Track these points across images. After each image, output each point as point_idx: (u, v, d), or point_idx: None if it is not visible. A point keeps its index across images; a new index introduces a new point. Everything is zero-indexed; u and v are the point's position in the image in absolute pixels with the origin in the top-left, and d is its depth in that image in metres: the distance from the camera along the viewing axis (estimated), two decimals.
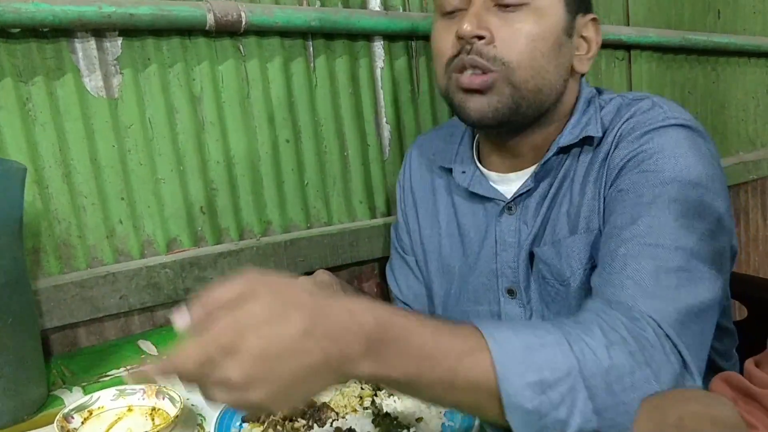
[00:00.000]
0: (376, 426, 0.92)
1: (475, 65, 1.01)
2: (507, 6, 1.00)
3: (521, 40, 0.99)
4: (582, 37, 1.07)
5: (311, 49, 1.53)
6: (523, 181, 1.11)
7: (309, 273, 1.43)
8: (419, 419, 0.94)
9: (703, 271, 0.85)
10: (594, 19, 1.08)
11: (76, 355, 1.24)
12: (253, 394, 0.61)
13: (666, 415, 0.67)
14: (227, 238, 1.46)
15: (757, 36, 2.52)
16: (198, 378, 0.63)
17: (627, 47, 2.16)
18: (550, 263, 1.06)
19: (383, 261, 1.65)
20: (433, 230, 1.26)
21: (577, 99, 1.10)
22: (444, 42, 1.05)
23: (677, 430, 0.63)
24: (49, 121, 1.24)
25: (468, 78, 1.02)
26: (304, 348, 0.62)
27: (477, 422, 0.90)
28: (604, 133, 1.05)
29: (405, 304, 1.34)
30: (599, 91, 1.13)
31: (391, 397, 0.99)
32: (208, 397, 0.64)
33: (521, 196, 1.11)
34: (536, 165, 1.10)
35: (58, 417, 0.94)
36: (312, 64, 1.53)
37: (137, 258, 1.35)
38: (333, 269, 1.45)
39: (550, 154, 1.07)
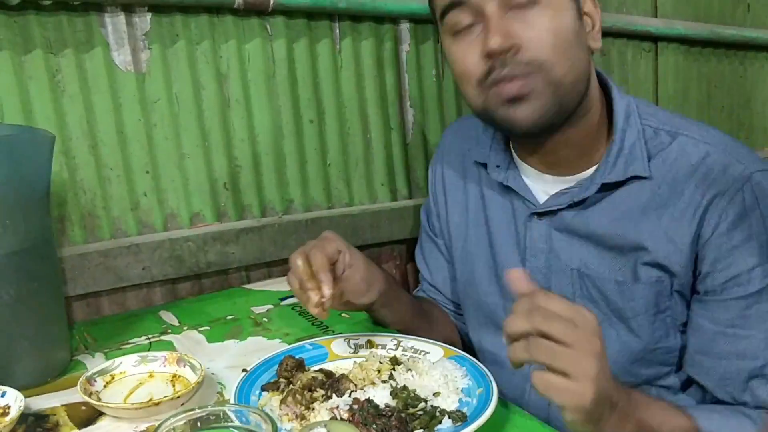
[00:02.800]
0: (393, 398, 0.93)
1: (514, 76, 0.97)
2: (520, 5, 0.96)
3: (548, 38, 0.96)
4: (585, 13, 1.03)
5: (337, 30, 1.53)
6: (559, 188, 1.08)
7: None
8: (437, 393, 0.95)
9: None
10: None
11: (98, 322, 1.26)
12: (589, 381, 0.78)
13: None
14: (249, 215, 1.47)
15: None
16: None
17: (654, 39, 2.14)
18: (609, 298, 1.05)
19: (403, 243, 1.67)
20: (461, 218, 1.25)
21: (606, 96, 1.06)
22: (469, 62, 1.00)
23: None
24: (78, 93, 1.26)
25: (508, 87, 0.97)
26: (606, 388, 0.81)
27: (494, 401, 0.90)
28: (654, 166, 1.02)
29: (433, 286, 1.34)
30: (636, 103, 1.08)
31: (409, 371, 1.00)
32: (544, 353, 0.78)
33: (555, 206, 1.09)
34: (574, 177, 1.07)
35: (81, 379, 0.95)
36: (338, 46, 1.54)
37: (161, 231, 1.37)
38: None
39: (592, 191, 1.04)
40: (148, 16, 1.31)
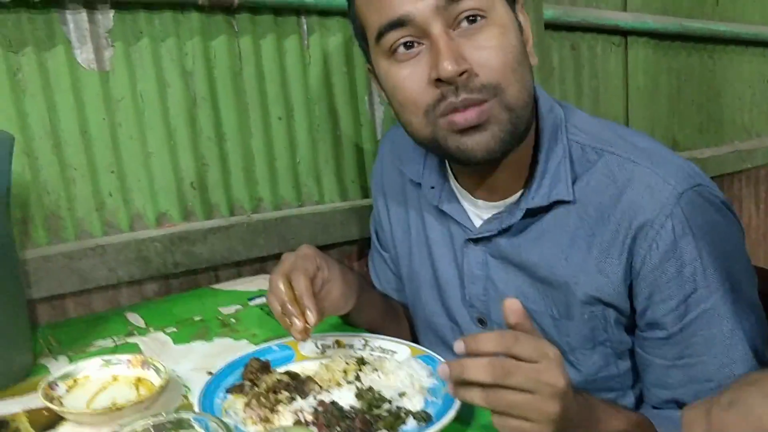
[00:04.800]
0: (358, 399, 0.92)
1: (470, 103, 0.91)
2: (468, 20, 0.91)
3: (499, 59, 0.91)
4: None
5: (305, 26, 1.52)
6: (491, 213, 1.05)
7: None
8: (402, 394, 0.95)
9: None
10: (522, 11, 0.99)
11: (63, 325, 1.24)
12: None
13: None
14: (217, 214, 1.46)
15: (755, 24, 2.51)
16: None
17: (624, 33, 2.15)
18: (546, 332, 1.03)
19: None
20: (405, 236, 1.22)
21: (537, 114, 1.02)
22: (415, 90, 0.93)
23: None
24: (39, 92, 1.24)
25: (464, 116, 0.92)
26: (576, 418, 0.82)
27: (458, 401, 0.90)
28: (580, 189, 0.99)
29: (385, 295, 1.33)
30: (565, 114, 1.04)
31: (375, 372, 0.99)
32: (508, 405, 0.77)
33: (488, 233, 1.06)
34: (504, 202, 1.04)
35: (42, 384, 0.94)
36: (306, 42, 1.53)
37: (126, 231, 1.35)
38: (323, 248, 1.45)
39: (518, 216, 1.01)
40: (111, 13, 1.29)
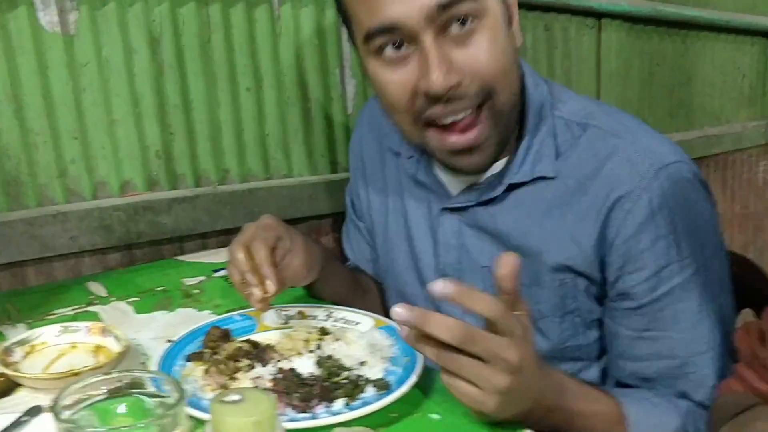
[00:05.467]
0: (319, 367, 0.92)
1: (465, 126, 0.93)
2: (460, 22, 0.89)
3: (491, 56, 0.90)
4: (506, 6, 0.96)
5: None
6: (470, 182, 1.05)
7: None
8: (363, 363, 0.94)
9: None
10: None
11: (23, 293, 1.22)
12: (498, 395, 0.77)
13: None
14: (183, 184, 1.44)
15: (729, 11, 2.53)
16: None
17: (597, 15, 2.16)
18: None
19: (343, 216, 1.65)
20: (382, 204, 1.22)
21: (523, 94, 1.02)
22: (403, 97, 0.93)
23: None
24: (1, 55, 1.21)
25: (459, 139, 0.94)
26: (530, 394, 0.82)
27: (418, 370, 0.90)
28: (564, 164, 0.99)
29: (357, 267, 1.33)
30: (550, 89, 1.04)
31: (337, 341, 0.99)
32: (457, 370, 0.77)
33: (465, 203, 1.06)
34: (486, 174, 1.04)
35: None
36: (277, 12, 1.51)
37: (89, 199, 1.33)
38: (291, 221, 1.44)
39: (499, 191, 1.02)
40: None
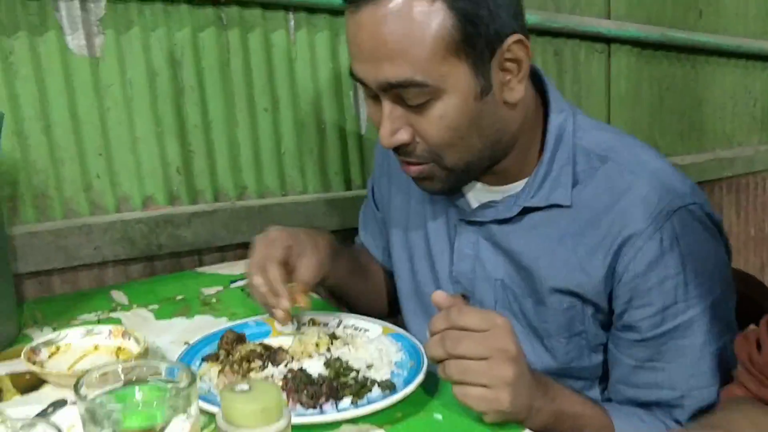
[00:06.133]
0: (327, 368, 0.96)
1: (409, 164, 1.01)
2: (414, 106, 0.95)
3: (438, 131, 0.96)
4: (508, 60, 0.97)
5: (292, 22, 1.56)
6: (488, 198, 1.09)
7: None
8: (370, 366, 0.99)
9: None
10: (518, 41, 0.96)
11: (49, 300, 1.28)
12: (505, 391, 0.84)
13: None
14: (202, 200, 1.50)
15: (738, 36, 2.56)
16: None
17: (607, 40, 2.20)
18: (527, 315, 1.08)
19: (355, 232, 1.70)
20: (404, 203, 1.26)
21: (546, 120, 1.05)
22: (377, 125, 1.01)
23: None
24: (31, 75, 1.28)
25: (408, 169, 1.02)
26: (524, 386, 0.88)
27: (423, 372, 0.95)
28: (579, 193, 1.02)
29: (363, 247, 1.38)
30: (574, 117, 1.06)
31: (346, 346, 1.03)
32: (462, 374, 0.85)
33: (481, 218, 1.10)
34: (504, 189, 1.08)
35: (25, 349, 0.97)
36: (292, 37, 1.57)
37: (113, 213, 1.39)
38: None
39: (514, 212, 1.05)
40: (103, 2, 1.33)
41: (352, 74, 0.98)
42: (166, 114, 1.42)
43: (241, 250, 1.52)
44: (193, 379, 0.65)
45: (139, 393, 0.68)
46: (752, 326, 1.30)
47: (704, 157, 2.48)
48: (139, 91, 1.39)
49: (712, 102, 2.52)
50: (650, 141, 2.35)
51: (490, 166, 1.05)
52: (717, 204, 2.56)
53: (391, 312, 1.37)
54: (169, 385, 0.67)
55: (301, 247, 1.09)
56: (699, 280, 0.98)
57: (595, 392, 1.11)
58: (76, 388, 0.64)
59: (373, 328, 1.11)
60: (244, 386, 0.70)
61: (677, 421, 1.01)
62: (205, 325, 1.15)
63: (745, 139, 2.67)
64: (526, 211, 1.05)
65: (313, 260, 1.09)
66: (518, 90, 0.99)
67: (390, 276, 1.33)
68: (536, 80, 1.07)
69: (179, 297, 1.28)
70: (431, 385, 0.97)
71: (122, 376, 0.69)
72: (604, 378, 1.10)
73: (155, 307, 1.23)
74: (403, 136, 0.97)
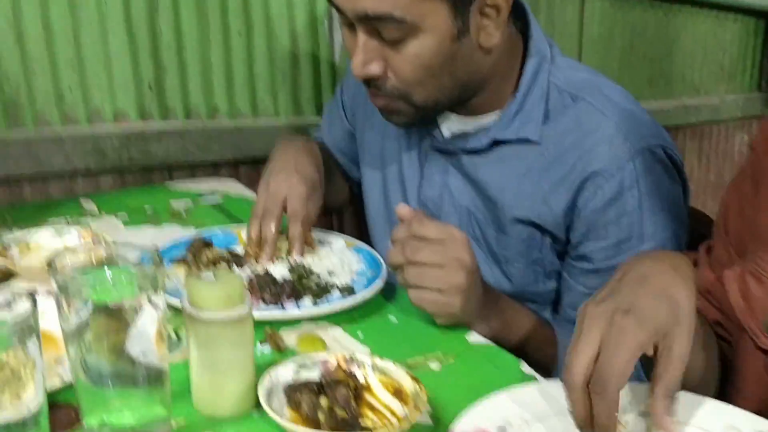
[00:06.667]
0: (290, 272, 1.01)
1: (377, 95, 1.03)
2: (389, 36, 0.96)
3: (411, 68, 0.97)
4: (487, 6, 0.97)
5: None
6: (460, 129, 1.12)
7: (255, 160, 1.53)
8: (332, 273, 1.03)
9: None
10: None
11: (19, 206, 1.31)
12: (456, 295, 0.90)
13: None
14: (173, 117, 1.52)
15: None
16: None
17: None
18: (489, 242, 1.12)
19: None
20: (377, 136, 1.27)
21: (524, 58, 1.07)
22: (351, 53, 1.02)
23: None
24: None
25: (375, 101, 1.04)
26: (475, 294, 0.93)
27: (381, 279, 1.00)
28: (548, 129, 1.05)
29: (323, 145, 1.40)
30: (552, 55, 1.08)
31: (309, 255, 1.08)
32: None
33: (451, 147, 1.13)
34: (476, 121, 1.10)
35: None
36: None
37: (85, 125, 1.40)
38: None
39: (484, 144, 1.08)
40: None
41: (329, 0, 0.99)
42: (139, 30, 1.43)
43: (211, 168, 1.55)
44: (160, 260, 0.69)
45: (109, 273, 0.72)
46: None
47: (671, 104, 2.54)
48: (113, 7, 1.39)
49: (682, 50, 2.56)
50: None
51: (460, 102, 1.07)
52: (680, 150, 2.60)
53: (352, 200, 1.43)
54: (138, 268, 0.70)
55: (299, 200, 1.10)
56: (654, 217, 1.03)
57: (546, 315, 1.17)
58: (50, 264, 0.67)
59: (337, 241, 1.15)
60: (210, 275, 0.74)
61: None
62: (173, 234, 1.18)
63: (712, 88, 2.72)
64: (496, 143, 1.08)
65: (311, 206, 1.12)
66: (495, 36, 1.00)
67: (345, 173, 1.39)
68: (519, 14, 1.08)
69: (148, 207, 1.31)
70: (389, 293, 1.02)
71: (93, 259, 0.72)
72: (555, 302, 1.16)
73: (124, 215, 1.26)
74: (375, 68, 0.98)
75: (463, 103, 1.08)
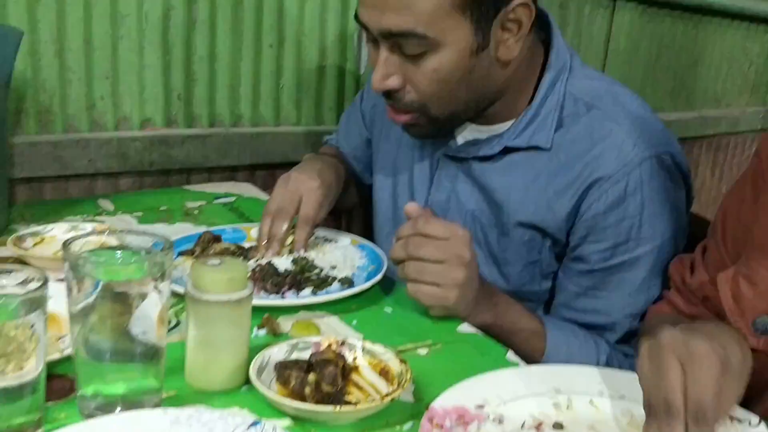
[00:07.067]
0: (293, 265, 1.04)
1: (396, 111, 1.06)
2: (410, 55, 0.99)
3: (429, 82, 1.00)
4: (510, 20, 0.99)
5: None
6: (473, 137, 1.15)
7: (272, 165, 1.57)
8: (334, 267, 1.07)
9: None
10: (524, 4, 0.98)
11: (39, 203, 1.36)
12: (454, 290, 0.93)
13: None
14: (198, 125, 1.57)
15: None
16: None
17: None
18: (491, 244, 1.14)
19: None
20: (392, 146, 1.30)
21: (544, 68, 1.09)
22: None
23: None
24: (53, 1, 1.33)
25: (393, 116, 1.07)
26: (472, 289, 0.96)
27: (381, 273, 1.02)
28: (558, 138, 1.07)
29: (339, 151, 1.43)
30: (571, 64, 1.10)
31: (314, 250, 1.12)
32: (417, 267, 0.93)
33: (464, 155, 1.15)
34: (490, 129, 1.13)
35: (11, 236, 1.05)
36: None
37: (111, 131, 1.46)
38: (294, 164, 1.55)
39: (495, 150, 1.10)
40: None
41: (356, 18, 1.02)
42: (175, 45, 1.48)
43: (229, 172, 1.59)
44: (169, 246, 0.72)
45: (119, 254, 0.75)
46: None
47: (689, 115, 2.51)
48: (152, 23, 1.45)
49: (707, 62, 2.55)
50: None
51: (476, 113, 1.10)
52: (694, 161, 2.60)
53: (360, 202, 1.45)
54: (147, 252, 0.74)
55: (313, 203, 1.14)
56: (653, 221, 1.05)
57: (540, 313, 1.18)
58: (65, 244, 0.71)
59: (343, 238, 1.18)
60: (215, 261, 0.77)
61: (607, 342, 1.09)
62: (185, 231, 1.20)
63: (734, 100, 2.70)
64: (507, 150, 1.10)
65: (322, 211, 1.16)
66: (515, 49, 1.02)
67: (357, 179, 1.42)
68: (542, 23, 1.10)
69: (163, 207, 1.35)
70: (388, 286, 1.04)
71: (106, 244, 0.76)
72: (549, 302, 1.18)
73: (139, 214, 1.30)
74: (394, 82, 1.01)
75: (479, 113, 1.10)
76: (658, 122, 1.09)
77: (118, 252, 0.76)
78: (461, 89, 1.02)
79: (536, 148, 1.08)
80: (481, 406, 0.72)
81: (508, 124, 1.11)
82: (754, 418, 0.70)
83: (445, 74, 0.99)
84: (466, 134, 1.16)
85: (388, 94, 1.04)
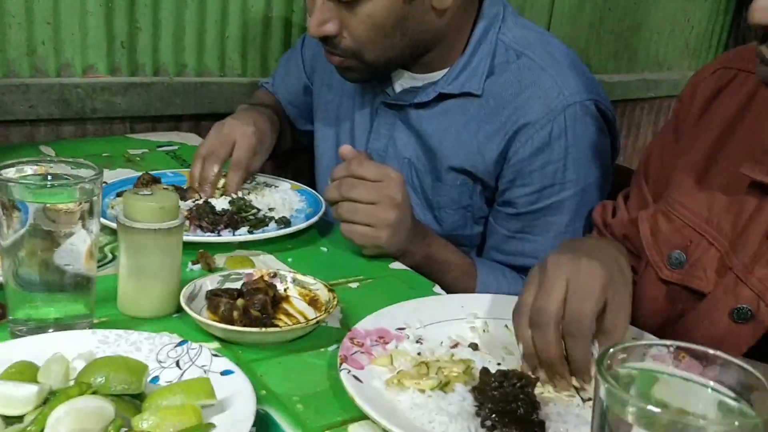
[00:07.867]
0: (231, 205, 1.06)
1: (332, 54, 1.09)
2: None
3: (363, 29, 1.04)
4: None
5: None
6: (410, 85, 1.18)
7: (217, 115, 1.54)
8: (272, 209, 1.09)
9: None
10: None
11: None
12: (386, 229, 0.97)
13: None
14: (142, 73, 1.56)
15: None
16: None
17: None
18: (425, 190, 1.18)
19: None
20: (334, 95, 1.32)
21: (477, 18, 1.13)
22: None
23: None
24: None
25: (330, 58, 1.11)
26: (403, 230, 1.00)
27: (318, 215, 1.05)
28: (491, 84, 1.11)
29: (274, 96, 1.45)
30: (504, 14, 1.14)
31: (253, 193, 1.14)
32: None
33: (401, 102, 1.19)
34: (425, 77, 1.16)
35: None
36: None
37: (53, 77, 1.45)
38: None
39: (430, 97, 1.14)
40: None
41: None
42: None
43: (173, 122, 1.60)
44: (99, 173, 0.74)
45: (50, 178, 0.77)
46: None
47: (631, 77, 2.57)
48: None
49: (651, 25, 2.59)
50: (582, 58, 2.41)
51: (411, 60, 1.13)
52: (635, 123, 2.66)
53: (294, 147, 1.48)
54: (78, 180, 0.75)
55: (247, 149, 1.16)
56: (577, 166, 1.10)
57: (472, 256, 1.22)
58: None
59: (282, 184, 1.20)
60: (146, 191, 0.79)
61: None
62: (126, 175, 1.21)
63: (676, 64, 2.76)
64: (442, 97, 1.14)
65: (257, 159, 1.18)
66: None
67: (291, 124, 1.45)
68: None
69: (105, 154, 1.36)
70: (325, 229, 1.07)
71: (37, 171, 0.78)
72: (482, 246, 1.22)
73: (81, 161, 1.29)
74: (330, 28, 1.05)
75: (414, 60, 1.14)
76: (584, 71, 1.14)
77: (49, 176, 0.78)
78: (396, 36, 1.06)
79: (468, 94, 1.12)
80: (401, 329, 0.76)
81: (443, 72, 1.15)
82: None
83: (379, 20, 1.03)
84: (403, 82, 1.19)
85: (325, 40, 1.07)
